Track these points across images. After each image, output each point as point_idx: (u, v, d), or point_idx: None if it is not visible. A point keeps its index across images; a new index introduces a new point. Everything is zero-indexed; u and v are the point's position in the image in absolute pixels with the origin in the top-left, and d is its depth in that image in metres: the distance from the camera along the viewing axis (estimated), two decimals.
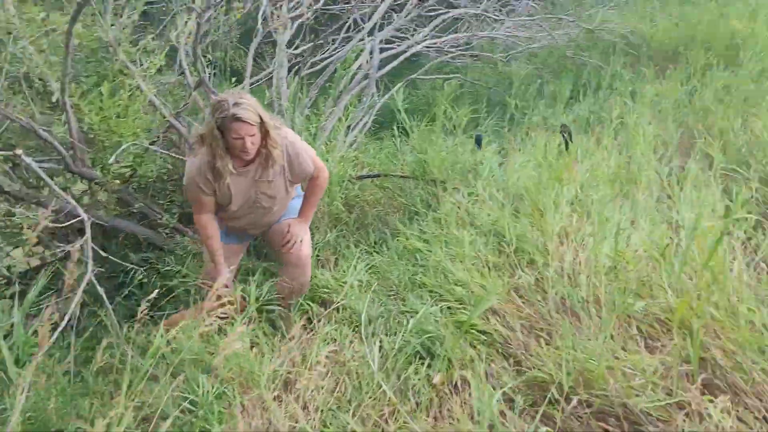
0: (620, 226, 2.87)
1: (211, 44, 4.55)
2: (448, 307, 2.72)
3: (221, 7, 4.46)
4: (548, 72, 6.25)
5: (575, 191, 3.31)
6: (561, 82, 5.73)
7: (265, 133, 2.63)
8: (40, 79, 3.57)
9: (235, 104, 2.50)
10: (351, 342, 2.66)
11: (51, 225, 2.91)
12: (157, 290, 2.49)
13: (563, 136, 4.16)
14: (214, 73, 4.74)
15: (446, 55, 5.82)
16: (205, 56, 4.26)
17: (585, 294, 2.47)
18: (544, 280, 2.70)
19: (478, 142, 4.18)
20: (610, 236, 2.77)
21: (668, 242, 2.54)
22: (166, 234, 3.80)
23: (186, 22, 3.80)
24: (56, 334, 2.18)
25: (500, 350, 2.44)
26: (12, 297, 2.93)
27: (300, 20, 4.82)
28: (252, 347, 2.55)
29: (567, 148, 4.07)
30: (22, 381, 1.91)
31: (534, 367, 2.25)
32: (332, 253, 3.57)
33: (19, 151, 3.09)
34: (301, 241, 3.00)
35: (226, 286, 2.71)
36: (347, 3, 5.70)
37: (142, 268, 3.56)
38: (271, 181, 2.82)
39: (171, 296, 3.30)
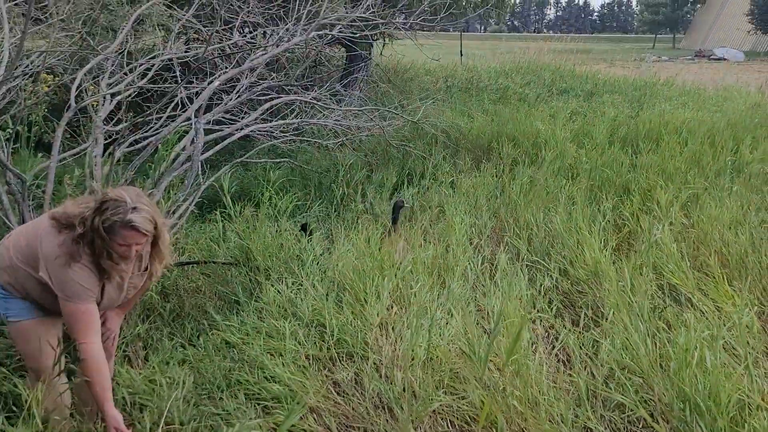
0: (436, 317, 2.95)
1: (15, 116, 4.15)
2: (264, 408, 2.59)
3: (28, 78, 4.11)
4: (376, 160, 6.50)
5: (396, 281, 3.38)
6: (388, 170, 5.98)
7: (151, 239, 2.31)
8: None
9: (134, 209, 2.16)
10: None
11: None
12: None
13: (394, 210, 4.32)
14: (17, 147, 4.32)
15: (276, 139, 5.84)
16: (4, 129, 3.88)
17: (400, 389, 2.46)
18: (362, 373, 2.67)
19: (304, 229, 4.17)
20: (426, 328, 2.83)
21: (478, 335, 2.64)
22: None
23: None
24: None
25: None
26: None
27: (120, 97, 4.58)
28: None
29: (395, 222, 4.21)
30: None
31: None
32: (142, 348, 3.28)
33: None
34: (114, 337, 2.68)
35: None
36: (175, 82, 5.55)
37: None
38: (142, 273, 2.52)
39: None
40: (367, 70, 9.20)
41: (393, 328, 2.96)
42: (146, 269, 2.49)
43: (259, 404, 2.62)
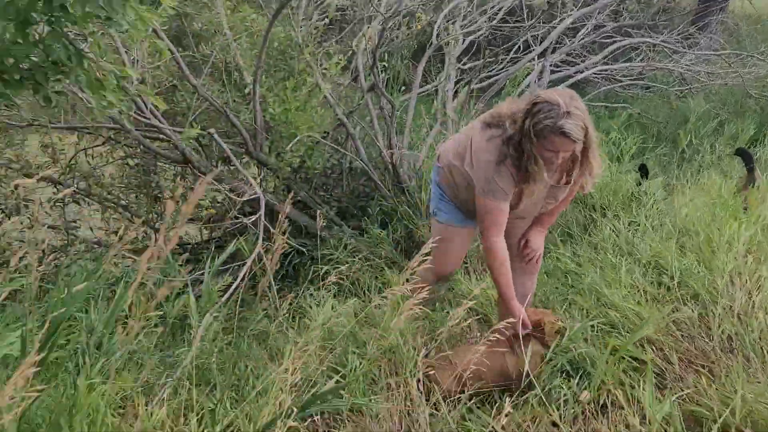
0: None
1: (387, 53, 4.76)
2: (599, 329, 2.63)
3: (404, 18, 4.65)
4: (727, 111, 5.84)
5: (755, 232, 3.07)
6: (744, 122, 5.34)
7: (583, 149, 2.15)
8: (236, 71, 3.94)
9: (567, 114, 1.99)
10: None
11: (231, 199, 3.24)
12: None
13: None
14: (386, 80, 4.95)
15: (616, 83, 5.65)
16: (381, 62, 4.46)
17: (758, 335, 2.28)
18: (710, 316, 2.53)
19: (644, 171, 4.01)
20: None
21: None
22: (323, 224, 3.99)
23: (368, 27, 4.02)
24: (231, 291, 2.40)
25: (654, 380, 2.32)
26: (188, 262, 3.30)
27: (472, 37, 4.91)
28: None
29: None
30: (201, 329, 2.11)
31: (689, 401, 2.12)
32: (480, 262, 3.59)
33: (212, 131, 3.46)
34: (539, 257, 2.71)
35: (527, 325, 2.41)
36: (520, 24, 5.72)
37: (304, 251, 3.73)
38: (564, 185, 2.37)
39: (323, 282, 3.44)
40: (724, 13, 8.20)
41: (749, 278, 2.72)
42: (567, 182, 2.35)
43: (592, 327, 2.67)
